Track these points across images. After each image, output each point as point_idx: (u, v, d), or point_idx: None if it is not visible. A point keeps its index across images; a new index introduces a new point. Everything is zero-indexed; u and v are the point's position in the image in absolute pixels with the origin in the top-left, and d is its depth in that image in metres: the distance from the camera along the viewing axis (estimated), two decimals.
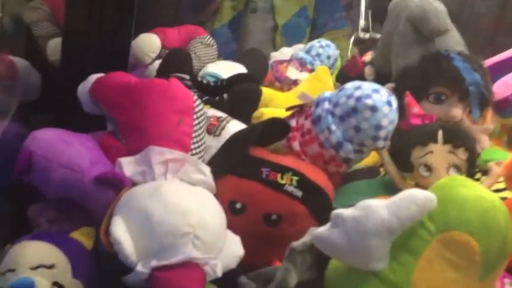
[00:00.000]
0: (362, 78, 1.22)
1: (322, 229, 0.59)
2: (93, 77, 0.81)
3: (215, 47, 1.39)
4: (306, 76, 1.22)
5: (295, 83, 1.24)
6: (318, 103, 0.85)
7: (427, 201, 0.55)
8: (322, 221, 0.64)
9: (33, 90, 1.05)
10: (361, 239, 0.55)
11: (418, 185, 0.79)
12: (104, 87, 0.78)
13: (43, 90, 1.07)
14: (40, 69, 1.10)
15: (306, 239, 0.63)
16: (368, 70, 1.21)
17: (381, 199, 0.58)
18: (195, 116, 0.78)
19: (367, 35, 1.49)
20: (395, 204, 0.55)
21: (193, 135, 0.77)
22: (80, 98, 0.83)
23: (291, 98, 1.11)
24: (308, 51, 1.32)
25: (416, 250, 0.56)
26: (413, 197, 0.55)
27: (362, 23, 1.53)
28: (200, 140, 0.78)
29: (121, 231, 0.62)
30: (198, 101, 0.80)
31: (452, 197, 0.56)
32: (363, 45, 1.55)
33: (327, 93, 0.86)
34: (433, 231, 0.56)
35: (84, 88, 0.82)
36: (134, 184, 0.69)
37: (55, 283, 0.60)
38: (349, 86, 0.82)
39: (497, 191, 0.82)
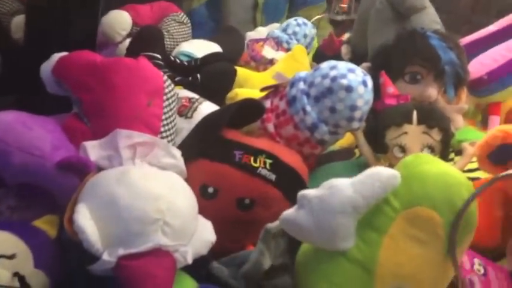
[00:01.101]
0: (339, 57, 1.20)
1: (289, 211, 0.58)
2: (57, 56, 0.77)
3: (189, 25, 1.35)
4: (282, 55, 1.20)
5: (271, 62, 1.21)
6: (293, 83, 0.83)
7: (390, 178, 0.55)
8: (295, 203, 0.62)
9: None
10: (326, 218, 0.55)
11: (392, 166, 0.78)
12: (67, 67, 0.74)
13: (5, 69, 1.01)
14: (3, 47, 1.05)
15: (279, 222, 0.62)
16: (344, 49, 1.20)
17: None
18: (165, 97, 0.75)
19: (339, 17, 1.47)
20: (359, 182, 0.55)
21: (163, 117, 0.74)
22: (43, 78, 0.79)
23: (267, 78, 1.08)
24: (284, 30, 1.30)
25: (382, 228, 0.56)
26: (378, 175, 0.55)
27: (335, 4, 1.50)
28: (170, 122, 0.75)
29: (85, 218, 0.60)
30: (168, 82, 0.77)
31: (415, 174, 0.57)
32: (340, 25, 1.53)
33: (302, 73, 0.84)
34: (398, 208, 0.56)
35: (47, 68, 0.78)
36: (100, 169, 0.66)
37: (15, 274, 0.58)
38: (325, 65, 0.81)
39: (470, 171, 0.82)
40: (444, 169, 0.57)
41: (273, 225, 0.62)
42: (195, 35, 1.35)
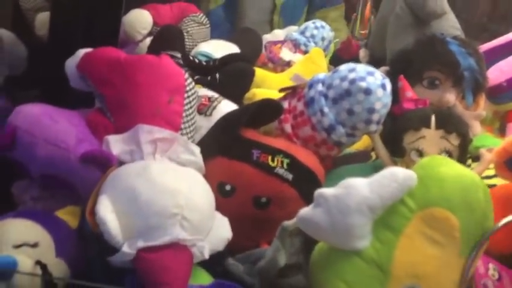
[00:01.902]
0: (356, 60, 1.21)
1: (306, 209, 0.59)
2: (81, 52, 0.79)
3: (208, 25, 1.37)
4: (300, 58, 1.21)
5: (288, 64, 1.22)
6: (311, 85, 0.83)
7: (407, 179, 0.55)
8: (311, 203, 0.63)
9: (19, 64, 1.02)
10: (342, 217, 0.55)
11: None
12: (92, 63, 0.76)
13: (30, 64, 1.04)
14: (27, 42, 1.07)
15: (295, 220, 0.63)
16: (362, 53, 1.20)
17: None
18: (186, 95, 0.76)
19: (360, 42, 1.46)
20: (376, 181, 0.55)
21: (184, 114, 0.75)
22: (68, 73, 0.80)
23: (284, 79, 1.09)
24: (302, 32, 1.30)
25: (397, 228, 0.57)
26: (394, 175, 0.56)
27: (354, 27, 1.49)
28: (191, 119, 0.77)
29: (107, 211, 0.61)
30: (190, 80, 0.78)
31: (432, 175, 0.57)
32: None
33: (321, 75, 0.84)
34: (414, 209, 0.56)
35: (72, 63, 0.79)
36: (122, 163, 0.68)
37: (38, 262, 0.59)
38: (343, 68, 0.81)
39: (488, 177, 0.82)
40: (461, 171, 0.58)
41: (289, 223, 0.62)
42: (212, 36, 1.36)
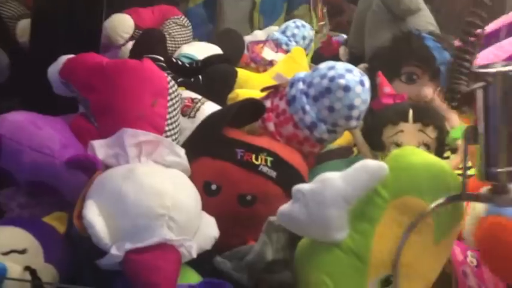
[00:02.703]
0: (337, 58, 1.22)
1: (285, 205, 0.61)
2: (64, 58, 0.79)
3: (190, 27, 1.38)
4: (282, 57, 1.22)
5: (271, 63, 1.23)
6: (292, 83, 0.85)
7: (378, 169, 0.58)
8: None
9: (1, 72, 1.02)
10: (319, 210, 0.57)
11: None
12: (74, 68, 0.77)
13: (12, 72, 1.04)
14: (8, 50, 1.07)
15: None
16: (342, 50, 1.22)
17: None
18: (169, 98, 0.77)
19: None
20: (349, 174, 0.58)
21: (168, 116, 0.76)
22: (50, 79, 0.81)
23: (267, 78, 1.11)
24: (283, 32, 1.32)
25: (373, 217, 0.59)
26: (365, 166, 0.58)
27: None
28: (175, 121, 0.77)
29: (94, 214, 0.62)
30: (172, 83, 0.79)
31: (403, 165, 0.59)
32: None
33: (301, 74, 0.86)
34: (387, 198, 0.58)
35: (54, 70, 0.80)
36: (107, 167, 0.68)
37: (27, 268, 0.60)
38: (323, 66, 0.83)
39: (466, 168, 0.84)
40: (429, 159, 0.60)
41: (274, 217, 0.64)
42: (194, 36, 1.37)
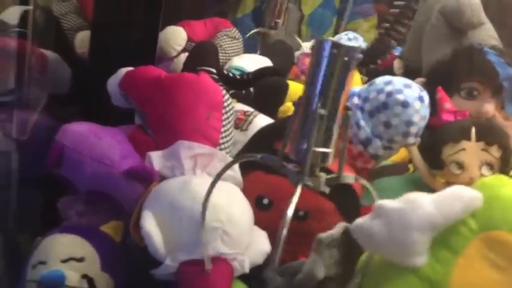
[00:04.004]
0: (391, 72, 1.20)
1: (363, 219, 0.58)
2: (123, 70, 0.82)
3: (241, 40, 1.39)
4: None
5: None
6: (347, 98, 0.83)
7: (473, 199, 0.54)
8: (349, 217, 0.63)
9: (64, 83, 1.06)
10: (403, 232, 0.54)
11: (448, 183, 0.77)
12: (133, 81, 0.78)
13: (73, 83, 1.08)
14: (69, 62, 1.12)
15: (333, 231, 0.63)
16: (397, 64, 1.19)
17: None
18: (223, 111, 0.78)
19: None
20: (440, 199, 0.54)
21: (222, 129, 0.76)
22: (110, 91, 0.83)
23: None
24: None
25: (456, 248, 0.55)
26: (460, 194, 0.54)
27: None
28: (228, 134, 0.78)
29: (151, 225, 0.63)
30: (227, 96, 0.80)
31: (497, 196, 0.55)
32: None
33: (356, 88, 0.84)
34: (475, 229, 0.54)
35: (114, 81, 0.82)
36: (163, 178, 0.69)
37: (84, 276, 0.61)
38: (380, 80, 0.81)
39: None
40: None
41: (325, 234, 0.62)
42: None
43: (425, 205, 0.53)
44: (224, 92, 0.80)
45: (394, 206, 0.55)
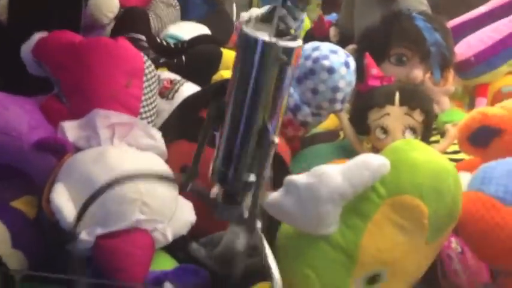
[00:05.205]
0: (328, 39, 1.19)
1: (275, 195, 0.58)
2: (37, 36, 0.76)
3: (178, 7, 1.34)
4: None
5: None
6: None
7: (380, 167, 0.54)
8: (278, 186, 0.62)
9: None
10: (314, 206, 0.54)
11: (374, 148, 0.78)
12: (46, 47, 0.74)
13: None
14: None
15: None
16: (333, 31, 1.18)
17: (338, 162, 0.57)
18: (145, 78, 0.74)
19: None
20: (349, 170, 0.54)
21: (143, 98, 0.73)
22: (24, 59, 0.78)
23: None
24: None
25: (366, 214, 0.55)
26: (367, 163, 0.54)
27: None
28: (151, 103, 0.75)
29: (63, 198, 0.60)
30: (149, 63, 0.76)
31: (405, 160, 0.55)
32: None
33: None
34: (384, 195, 0.55)
35: (27, 48, 0.77)
36: (78, 149, 0.66)
37: None
38: (307, 47, 0.80)
39: (455, 152, 0.82)
40: (433, 157, 0.56)
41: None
42: (190, 18, 1.33)
43: (333, 177, 0.53)
44: (145, 58, 0.76)
45: (304, 181, 0.54)
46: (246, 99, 0.44)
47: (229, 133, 0.45)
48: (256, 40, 0.42)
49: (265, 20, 0.44)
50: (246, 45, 0.43)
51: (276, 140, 0.44)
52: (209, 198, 0.48)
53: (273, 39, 0.42)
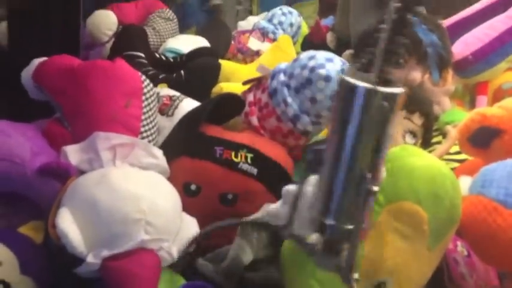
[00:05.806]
0: (326, 45, 1.20)
1: (274, 206, 0.58)
2: (36, 62, 0.77)
3: (175, 20, 1.35)
4: (268, 46, 1.19)
5: (257, 53, 1.21)
6: (273, 75, 0.82)
7: None
8: (280, 197, 0.62)
9: None
10: (310, 215, 0.54)
11: None
12: (46, 72, 0.75)
13: None
14: None
15: (258, 214, 0.63)
16: (329, 37, 1.19)
17: None
18: (144, 97, 0.75)
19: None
20: None
21: (143, 117, 0.74)
22: (24, 84, 0.79)
23: (252, 70, 1.08)
24: (270, 20, 1.29)
25: None
26: None
27: None
28: (151, 122, 0.75)
29: (67, 222, 0.60)
30: (147, 82, 0.77)
31: (401, 167, 0.55)
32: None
33: (282, 65, 0.83)
34: (383, 203, 0.55)
35: (27, 74, 0.78)
36: (82, 173, 0.67)
37: (2, 281, 0.59)
38: (303, 56, 0.80)
39: (458, 153, 0.82)
40: (431, 163, 0.56)
41: (248, 219, 0.62)
42: (188, 25, 1.34)
43: None
44: (143, 77, 0.77)
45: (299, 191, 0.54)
46: (346, 148, 0.43)
47: (328, 181, 0.44)
48: (357, 87, 0.42)
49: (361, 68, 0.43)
50: (347, 93, 0.42)
51: (376, 189, 0.43)
52: (307, 244, 0.46)
53: (375, 86, 0.41)
